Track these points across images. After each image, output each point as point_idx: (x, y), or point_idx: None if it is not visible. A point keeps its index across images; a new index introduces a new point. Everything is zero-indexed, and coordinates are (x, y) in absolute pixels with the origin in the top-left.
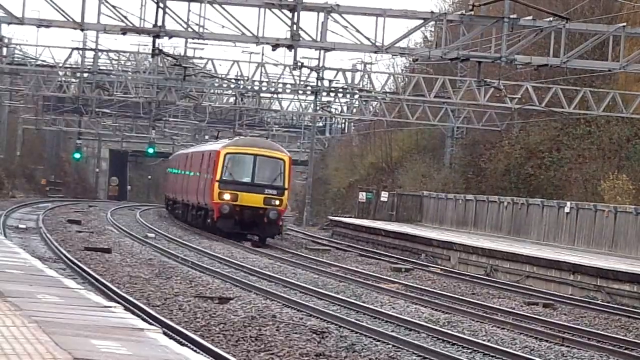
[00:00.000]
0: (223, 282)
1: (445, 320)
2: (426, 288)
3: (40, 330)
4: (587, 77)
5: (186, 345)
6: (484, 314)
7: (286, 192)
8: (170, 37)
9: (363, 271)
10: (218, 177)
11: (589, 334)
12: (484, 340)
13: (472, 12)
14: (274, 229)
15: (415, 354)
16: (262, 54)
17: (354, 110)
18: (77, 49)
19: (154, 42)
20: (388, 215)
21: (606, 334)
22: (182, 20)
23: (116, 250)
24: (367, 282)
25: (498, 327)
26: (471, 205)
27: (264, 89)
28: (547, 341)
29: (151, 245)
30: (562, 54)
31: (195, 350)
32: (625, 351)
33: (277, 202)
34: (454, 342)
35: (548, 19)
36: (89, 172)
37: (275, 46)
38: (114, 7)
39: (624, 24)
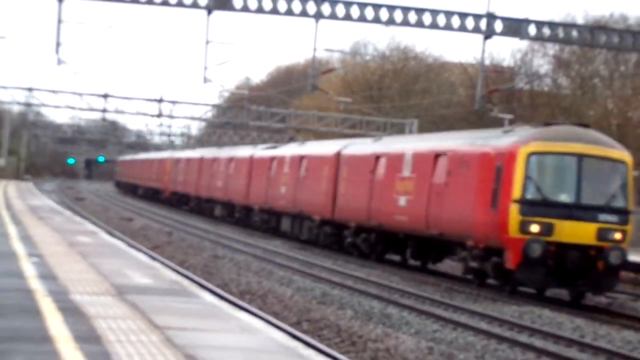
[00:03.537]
0: (131, 212)
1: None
2: None
3: (54, 232)
4: None
5: (115, 238)
6: None
7: (630, 218)
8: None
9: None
10: (517, 195)
11: None
12: None
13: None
14: (612, 280)
15: (210, 240)
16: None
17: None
18: (77, 115)
19: (103, 113)
20: None
21: None
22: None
23: (88, 200)
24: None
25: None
26: None
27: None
28: None
29: (103, 198)
30: None
31: (119, 240)
32: None
33: (619, 236)
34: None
35: None
36: (76, 168)
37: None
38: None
39: None
